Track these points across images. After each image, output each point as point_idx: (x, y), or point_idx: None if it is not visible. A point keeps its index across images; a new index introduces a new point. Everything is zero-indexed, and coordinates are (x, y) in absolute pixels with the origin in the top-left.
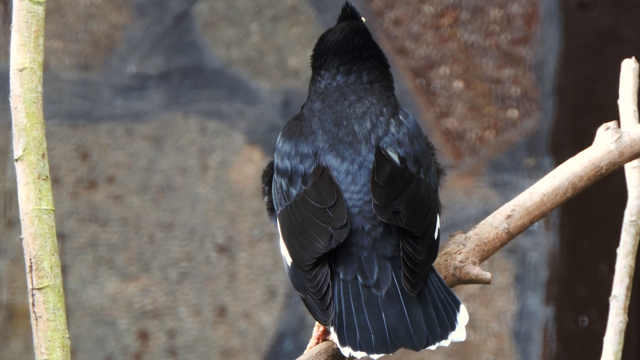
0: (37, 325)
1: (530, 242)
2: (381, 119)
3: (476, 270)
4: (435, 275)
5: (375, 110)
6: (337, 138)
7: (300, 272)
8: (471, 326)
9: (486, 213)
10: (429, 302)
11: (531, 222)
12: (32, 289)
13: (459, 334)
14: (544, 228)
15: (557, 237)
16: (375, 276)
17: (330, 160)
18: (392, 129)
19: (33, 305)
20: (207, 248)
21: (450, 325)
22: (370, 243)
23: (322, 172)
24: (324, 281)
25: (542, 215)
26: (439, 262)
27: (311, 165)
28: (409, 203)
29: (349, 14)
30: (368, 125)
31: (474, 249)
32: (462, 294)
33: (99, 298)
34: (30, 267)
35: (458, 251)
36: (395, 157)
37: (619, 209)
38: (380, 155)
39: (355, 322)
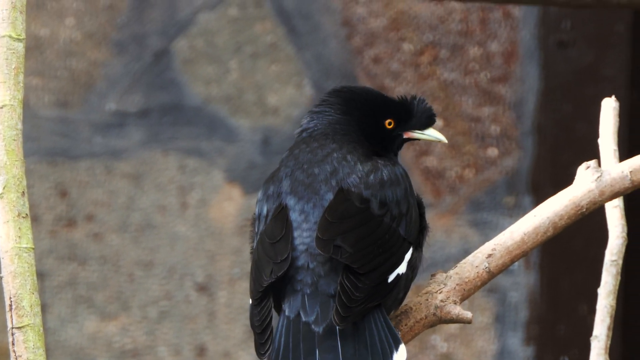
0: None
1: (510, 281)
2: (344, 162)
3: (457, 310)
4: (381, 314)
5: (337, 155)
6: (297, 181)
7: (251, 306)
8: None
9: (466, 252)
10: (367, 340)
11: (512, 262)
12: (12, 327)
13: None
14: (524, 267)
15: (538, 277)
16: (315, 313)
17: (290, 201)
18: (359, 173)
19: (13, 344)
20: (186, 287)
21: None
22: (314, 280)
23: (280, 211)
24: (266, 316)
25: (523, 254)
26: (420, 302)
27: (272, 206)
28: (356, 240)
29: None
30: (328, 168)
31: (454, 288)
32: (443, 334)
33: (78, 337)
34: (10, 305)
35: (439, 290)
36: (355, 197)
37: (600, 249)
38: (340, 194)
39: (290, 357)
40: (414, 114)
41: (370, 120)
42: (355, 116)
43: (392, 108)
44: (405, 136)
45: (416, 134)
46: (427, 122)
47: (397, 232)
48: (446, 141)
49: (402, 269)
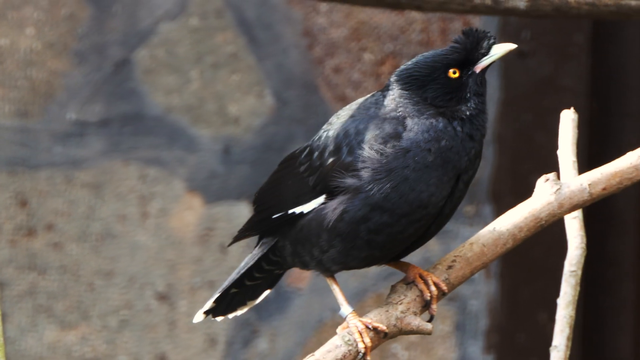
0: None
1: (470, 290)
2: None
3: (417, 321)
4: (253, 258)
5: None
6: None
7: None
8: None
9: (427, 261)
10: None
11: (472, 273)
12: None
13: None
14: (484, 276)
15: (498, 286)
16: None
17: None
18: (333, 127)
19: None
20: (147, 296)
21: None
22: None
23: None
24: None
25: (482, 266)
26: (380, 312)
27: None
28: (262, 185)
29: None
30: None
31: (415, 299)
32: (403, 342)
33: (38, 346)
34: None
35: (399, 301)
36: (303, 149)
37: (559, 258)
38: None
39: None
40: (471, 49)
41: (433, 82)
42: (415, 85)
43: (448, 59)
44: (477, 70)
45: (486, 62)
46: (488, 46)
47: (305, 180)
48: (515, 45)
49: (300, 210)
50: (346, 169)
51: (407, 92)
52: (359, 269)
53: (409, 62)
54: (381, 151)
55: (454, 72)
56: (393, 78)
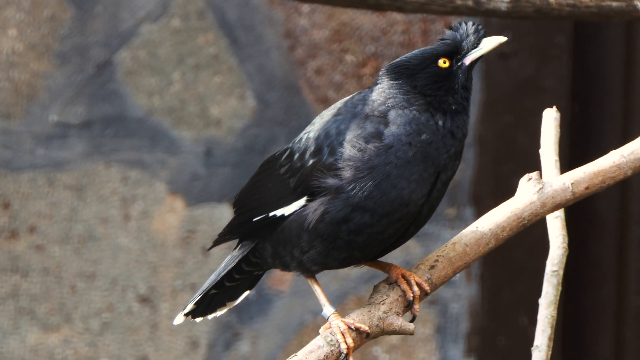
0: None
1: (451, 293)
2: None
3: (400, 321)
4: (232, 261)
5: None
6: None
7: None
8: None
9: (408, 263)
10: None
11: (454, 273)
12: None
13: None
14: (465, 279)
15: (478, 288)
16: None
17: None
18: (316, 126)
19: None
20: (129, 298)
21: None
22: None
23: None
24: None
25: (465, 266)
26: (362, 313)
27: None
28: (242, 188)
29: None
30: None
31: (397, 299)
32: (384, 345)
33: (20, 349)
34: None
35: (381, 302)
36: (284, 150)
37: (541, 259)
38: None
39: None
40: (461, 41)
41: (423, 70)
42: (405, 74)
43: (438, 51)
44: (467, 62)
45: (475, 54)
46: (477, 39)
47: (286, 182)
48: (505, 38)
49: (281, 212)
50: (328, 169)
51: (396, 82)
52: (339, 269)
53: (398, 58)
54: (363, 149)
55: (444, 62)
56: (382, 72)
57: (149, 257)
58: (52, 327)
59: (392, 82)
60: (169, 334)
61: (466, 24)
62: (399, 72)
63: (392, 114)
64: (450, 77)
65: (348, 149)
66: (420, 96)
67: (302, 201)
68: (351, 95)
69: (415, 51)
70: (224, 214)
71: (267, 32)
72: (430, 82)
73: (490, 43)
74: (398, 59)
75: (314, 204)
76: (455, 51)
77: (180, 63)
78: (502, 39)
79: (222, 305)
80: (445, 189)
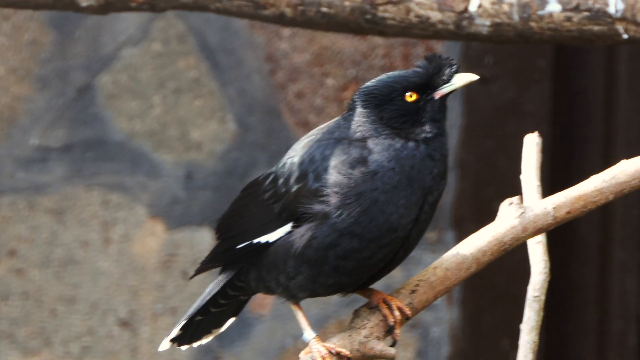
0: None
1: (432, 317)
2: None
3: (380, 346)
4: (216, 288)
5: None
6: None
7: None
8: None
9: (388, 287)
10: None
11: (435, 297)
12: None
13: None
14: (446, 303)
15: (460, 312)
16: None
17: None
18: (296, 152)
19: None
20: (109, 322)
21: None
22: None
23: None
24: None
25: (446, 290)
26: (343, 337)
27: None
28: (224, 214)
29: None
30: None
31: (378, 324)
32: None
33: None
34: None
35: (362, 326)
36: (266, 176)
37: (522, 284)
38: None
39: None
40: (433, 74)
41: (390, 102)
42: (373, 104)
43: (407, 82)
44: (436, 97)
45: (445, 90)
46: (450, 74)
47: (270, 208)
48: (477, 77)
49: (265, 239)
50: (314, 195)
51: (365, 111)
52: (326, 296)
53: (373, 80)
54: (349, 175)
55: (411, 96)
56: (356, 96)
57: (129, 281)
58: (32, 351)
59: (362, 109)
60: (150, 357)
61: (440, 57)
62: (368, 101)
63: (369, 142)
64: (418, 112)
65: (334, 175)
66: (387, 127)
67: (287, 227)
68: (327, 123)
69: (388, 75)
70: (205, 238)
71: (248, 56)
72: (397, 116)
73: (462, 79)
74: (370, 83)
75: (301, 230)
76: (426, 84)
77: (161, 87)
78: (473, 76)
79: (207, 332)
80: (434, 212)
